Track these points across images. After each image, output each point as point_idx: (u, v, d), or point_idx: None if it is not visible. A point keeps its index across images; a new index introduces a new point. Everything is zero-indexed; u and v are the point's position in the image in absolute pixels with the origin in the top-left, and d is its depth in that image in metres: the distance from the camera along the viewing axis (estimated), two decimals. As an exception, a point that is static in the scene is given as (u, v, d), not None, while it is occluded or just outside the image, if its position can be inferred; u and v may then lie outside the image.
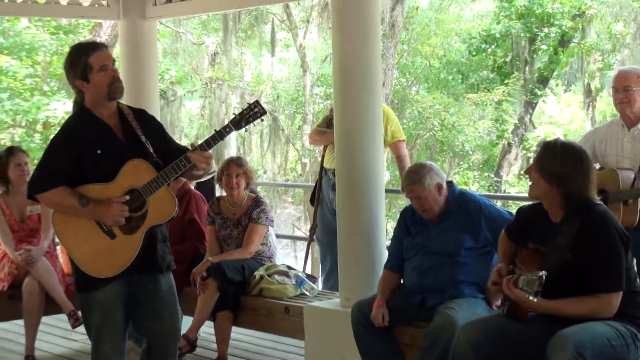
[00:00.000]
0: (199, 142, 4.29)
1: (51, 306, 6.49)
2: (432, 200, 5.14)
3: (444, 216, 5.20)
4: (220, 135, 4.23)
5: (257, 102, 4.28)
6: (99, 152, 4.23)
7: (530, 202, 4.59)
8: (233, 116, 4.27)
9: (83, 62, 4.21)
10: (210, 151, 4.26)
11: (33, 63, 18.43)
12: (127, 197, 4.20)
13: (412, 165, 5.53)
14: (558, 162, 4.17)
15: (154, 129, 4.42)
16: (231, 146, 18.31)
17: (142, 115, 4.43)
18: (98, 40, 13.80)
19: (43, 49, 18.10)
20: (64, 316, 6.57)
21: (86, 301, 4.39)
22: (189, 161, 4.19)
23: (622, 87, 5.47)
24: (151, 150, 4.27)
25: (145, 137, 4.30)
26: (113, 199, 4.19)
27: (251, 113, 4.23)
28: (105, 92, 4.24)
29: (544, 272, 3.97)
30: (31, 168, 6.83)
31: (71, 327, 6.52)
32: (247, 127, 4.26)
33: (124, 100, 4.48)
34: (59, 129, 4.46)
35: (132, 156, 4.23)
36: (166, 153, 4.31)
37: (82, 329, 6.58)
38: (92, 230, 4.25)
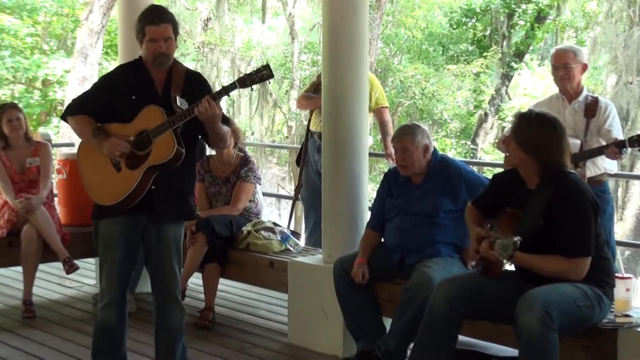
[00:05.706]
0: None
1: (48, 254, 6.47)
2: (415, 158, 5.13)
3: (425, 179, 5.18)
4: (225, 90, 4.36)
5: (267, 66, 4.34)
6: (133, 97, 4.41)
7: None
8: (240, 75, 4.33)
9: (141, 27, 4.39)
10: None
11: (34, 22, 18.32)
12: (132, 137, 4.35)
13: (408, 122, 5.54)
14: (534, 131, 4.16)
15: (198, 91, 4.40)
16: (221, 107, 18.21)
17: (193, 78, 4.54)
18: (96, 4, 13.63)
19: (44, 10, 17.98)
20: (59, 264, 6.54)
21: (95, 228, 4.71)
22: (189, 113, 4.27)
23: (561, 64, 5.48)
24: (179, 106, 4.34)
25: (181, 94, 4.40)
26: (115, 135, 4.37)
27: (259, 75, 4.31)
28: (150, 59, 4.40)
29: (519, 237, 3.97)
30: (28, 123, 6.79)
31: (66, 273, 6.49)
32: (252, 86, 4.36)
33: (124, 58, 4.51)
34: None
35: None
36: None
37: (75, 275, 6.64)
38: (104, 161, 4.44)
